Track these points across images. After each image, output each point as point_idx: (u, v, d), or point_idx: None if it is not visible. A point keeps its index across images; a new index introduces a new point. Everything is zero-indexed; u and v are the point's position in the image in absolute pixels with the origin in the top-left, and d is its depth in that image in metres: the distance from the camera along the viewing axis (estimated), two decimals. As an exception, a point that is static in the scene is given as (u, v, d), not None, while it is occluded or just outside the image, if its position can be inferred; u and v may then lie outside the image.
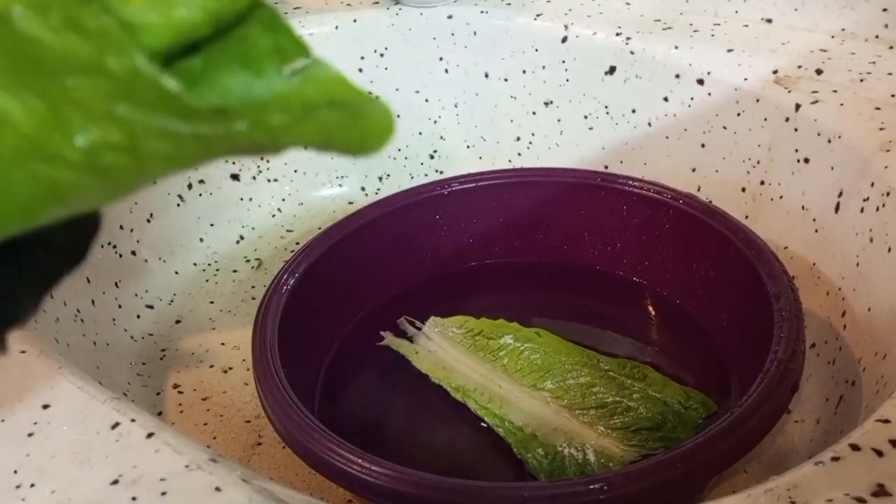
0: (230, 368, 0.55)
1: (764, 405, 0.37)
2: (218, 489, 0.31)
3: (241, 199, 0.68)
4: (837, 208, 0.48)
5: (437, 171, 0.71)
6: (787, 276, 0.44)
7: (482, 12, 0.67)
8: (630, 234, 0.54)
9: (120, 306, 0.57)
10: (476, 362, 0.49)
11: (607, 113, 0.63)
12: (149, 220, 0.62)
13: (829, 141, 0.49)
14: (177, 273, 0.63)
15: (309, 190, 0.71)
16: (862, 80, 0.52)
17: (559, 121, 0.66)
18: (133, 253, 0.59)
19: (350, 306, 0.53)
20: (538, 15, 0.65)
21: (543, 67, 0.65)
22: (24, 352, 0.38)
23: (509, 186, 0.56)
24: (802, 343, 0.41)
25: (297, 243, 0.66)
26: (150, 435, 0.34)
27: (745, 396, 0.37)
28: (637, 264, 0.55)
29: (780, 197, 0.53)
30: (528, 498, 0.34)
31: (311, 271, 0.49)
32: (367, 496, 0.38)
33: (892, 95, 0.50)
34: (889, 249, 0.43)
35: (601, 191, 0.54)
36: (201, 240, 0.65)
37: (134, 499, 0.30)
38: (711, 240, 0.49)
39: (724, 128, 0.56)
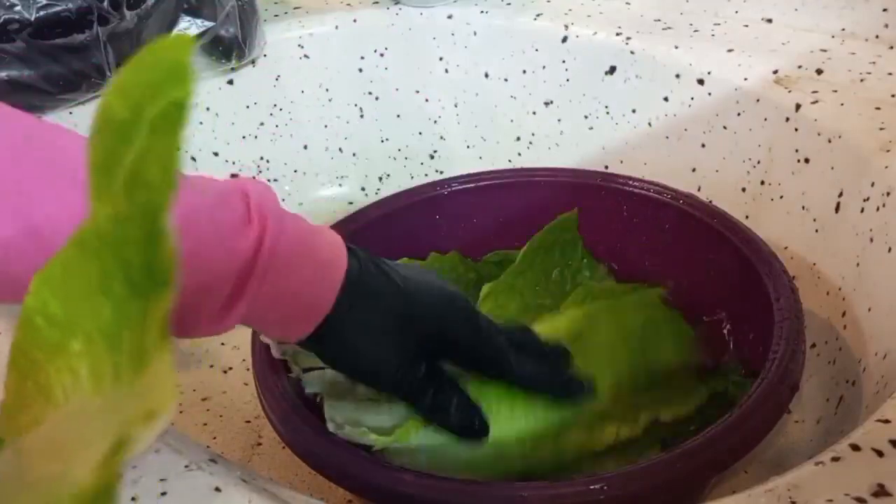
0: (230, 368, 0.55)
1: (764, 405, 0.37)
2: (218, 489, 0.31)
3: (241, 199, 0.68)
4: (838, 208, 0.48)
5: (437, 171, 0.71)
6: (788, 277, 0.44)
7: (482, 12, 0.67)
8: (630, 235, 0.54)
9: (120, 306, 0.57)
10: None
11: (607, 113, 0.63)
12: (149, 220, 0.62)
13: (830, 141, 0.49)
14: (177, 273, 0.62)
15: (309, 190, 0.71)
16: (862, 80, 0.52)
17: (559, 121, 0.66)
18: (133, 253, 0.60)
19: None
20: (538, 15, 0.65)
21: (543, 67, 0.65)
22: (24, 352, 0.38)
23: (509, 186, 0.56)
24: (802, 343, 0.41)
25: (297, 243, 0.66)
26: (150, 435, 0.33)
27: (746, 397, 0.37)
28: (638, 265, 0.55)
29: (781, 197, 0.53)
30: (529, 498, 0.34)
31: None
32: (367, 496, 0.38)
33: (893, 95, 0.50)
34: (889, 249, 0.43)
35: (601, 191, 0.54)
36: (201, 240, 0.65)
37: (134, 499, 0.30)
38: (712, 240, 0.49)
39: (725, 128, 0.56)
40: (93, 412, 0.16)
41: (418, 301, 0.39)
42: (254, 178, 0.68)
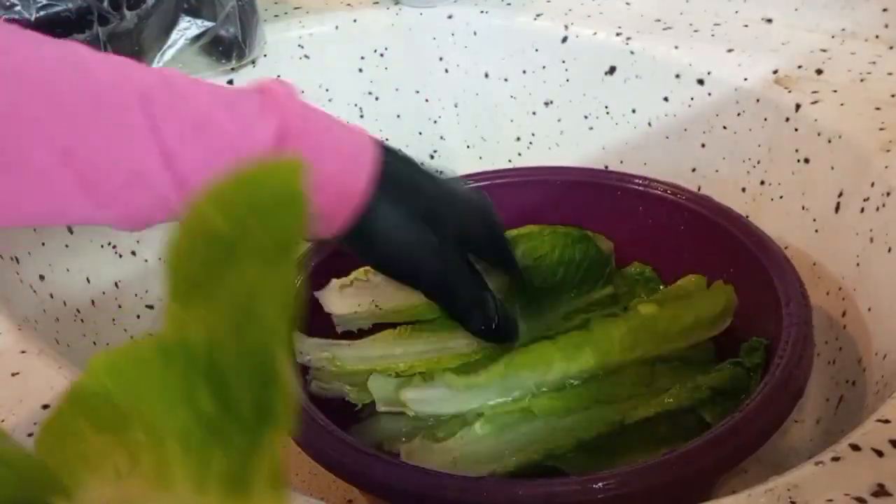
0: (230, 368, 0.55)
1: (766, 410, 0.37)
2: (218, 489, 0.31)
3: (241, 199, 0.68)
4: (838, 208, 0.48)
5: (437, 171, 0.71)
6: (800, 283, 0.43)
7: (482, 12, 0.67)
8: (644, 235, 0.53)
9: (120, 306, 0.57)
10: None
11: (607, 113, 0.63)
12: (149, 220, 0.62)
13: (830, 141, 0.49)
14: (177, 273, 0.62)
15: (309, 190, 0.71)
16: (862, 80, 0.52)
17: (559, 121, 0.66)
18: (133, 253, 0.59)
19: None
20: (538, 15, 0.65)
21: (543, 67, 0.65)
22: (24, 352, 0.38)
23: (523, 185, 0.55)
24: (809, 349, 0.40)
25: (297, 243, 0.66)
26: (150, 435, 0.33)
27: (748, 401, 0.37)
28: (650, 265, 0.54)
29: (781, 197, 0.53)
30: (524, 496, 0.34)
31: (317, 272, 0.49)
32: (369, 490, 0.37)
33: (893, 95, 0.50)
34: (889, 249, 0.43)
35: (616, 191, 0.53)
36: (201, 240, 0.65)
37: (134, 499, 0.30)
38: (725, 243, 0.48)
39: (725, 128, 0.56)
40: None
41: (449, 197, 0.40)
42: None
